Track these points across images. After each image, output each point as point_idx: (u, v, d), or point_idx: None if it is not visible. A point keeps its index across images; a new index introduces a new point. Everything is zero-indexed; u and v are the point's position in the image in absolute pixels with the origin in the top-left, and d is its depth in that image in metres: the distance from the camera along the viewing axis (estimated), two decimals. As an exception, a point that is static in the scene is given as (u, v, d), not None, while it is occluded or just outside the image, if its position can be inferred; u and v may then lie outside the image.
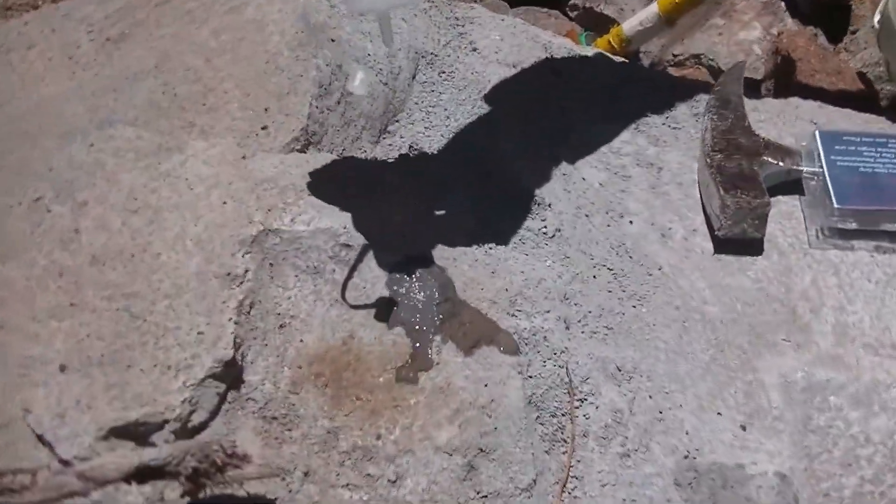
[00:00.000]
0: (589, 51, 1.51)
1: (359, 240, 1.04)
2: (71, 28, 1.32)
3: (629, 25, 1.79)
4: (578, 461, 1.02)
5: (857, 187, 1.23)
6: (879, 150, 1.26)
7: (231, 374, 0.95)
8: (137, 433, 0.90)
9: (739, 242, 1.22)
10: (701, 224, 1.26)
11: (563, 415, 1.03)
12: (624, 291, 1.16)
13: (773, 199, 1.22)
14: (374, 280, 1.03)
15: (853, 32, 1.86)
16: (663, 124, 1.37)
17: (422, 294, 1.03)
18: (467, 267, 1.07)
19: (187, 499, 0.85)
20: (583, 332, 1.10)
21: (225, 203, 1.03)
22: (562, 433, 1.02)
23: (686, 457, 1.03)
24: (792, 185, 1.27)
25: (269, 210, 1.03)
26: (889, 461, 1.06)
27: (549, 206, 1.19)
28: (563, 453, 1.02)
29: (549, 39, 1.48)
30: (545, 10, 2.04)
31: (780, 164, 1.25)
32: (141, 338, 0.94)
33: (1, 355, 0.95)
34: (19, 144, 1.14)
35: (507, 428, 0.97)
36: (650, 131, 1.36)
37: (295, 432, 0.94)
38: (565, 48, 1.47)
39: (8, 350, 0.95)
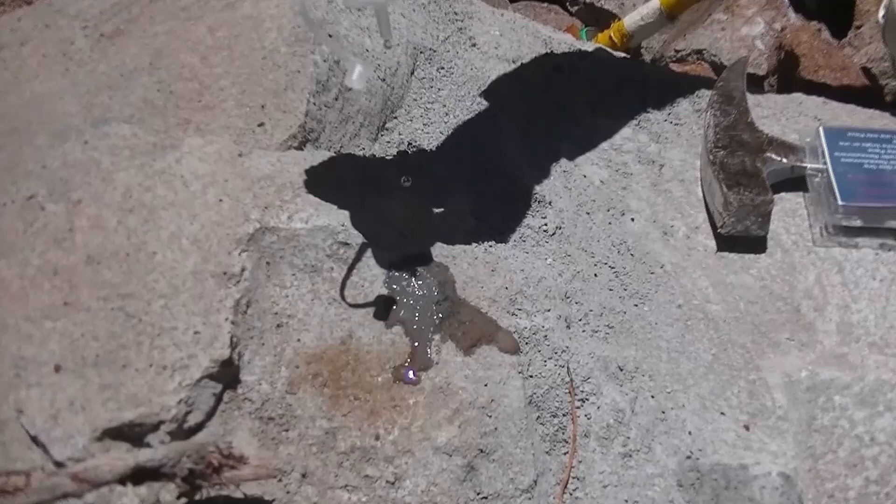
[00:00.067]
0: (590, 46, 1.51)
1: (357, 238, 1.03)
2: (65, 24, 1.31)
3: (630, 20, 1.79)
4: (580, 462, 1.02)
5: (861, 184, 1.23)
6: (884, 146, 1.26)
7: (227, 375, 0.94)
8: (132, 434, 0.90)
9: (742, 240, 1.22)
10: (703, 222, 1.26)
11: (564, 415, 1.03)
12: (625, 290, 1.16)
13: (776, 197, 1.22)
14: (372, 279, 1.03)
15: (858, 27, 1.86)
16: (665, 120, 1.37)
17: (421, 293, 1.03)
18: (467, 265, 1.06)
19: (183, 500, 0.85)
20: (584, 331, 1.10)
21: (221, 201, 1.03)
22: (563, 433, 1.02)
23: (689, 457, 1.03)
24: (796, 181, 1.27)
25: (265, 208, 1.03)
26: (895, 461, 1.06)
27: (550, 203, 1.19)
28: (565, 454, 1.02)
29: (550, 35, 1.48)
30: (545, 4, 2.04)
31: (784, 160, 1.25)
32: (136, 338, 0.94)
33: (-6, 356, 0.95)
34: (12, 142, 1.13)
35: (507, 428, 0.97)
36: (652, 128, 1.36)
37: (292, 433, 0.94)
38: (566, 43, 1.47)
39: (1, 350, 0.95)
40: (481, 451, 0.95)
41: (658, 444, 1.04)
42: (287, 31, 1.22)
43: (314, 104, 1.18)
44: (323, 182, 1.07)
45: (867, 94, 1.68)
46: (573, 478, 1.01)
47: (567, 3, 2.07)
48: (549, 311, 1.07)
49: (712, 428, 1.06)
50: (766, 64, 1.87)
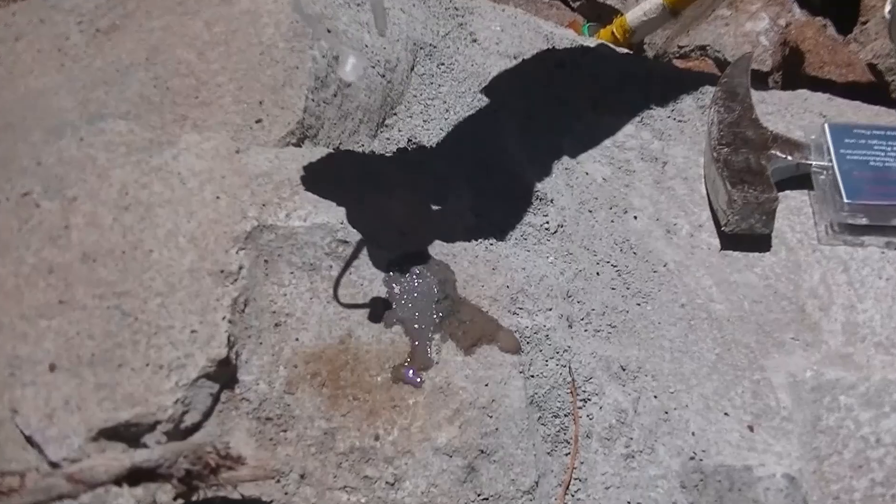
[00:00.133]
0: (592, 42, 1.51)
1: (356, 236, 1.03)
2: (60, 19, 1.31)
3: (633, 16, 1.79)
4: (582, 463, 1.02)
5: (867, 182, 1.23)
6: (890, 143, 1.26)
7: (225, 374, 0.94)
8: (128, 434, 0.90)
9: (747, 238, 1.22)
10: (707, 220, 1.26)
11: (565, 415, 1.03)
12: (628, 289, 1.16)
13: (781, 194, 1.22)
14: (371, 277, 1.03)
15: (863, 23, 1.86)
16: (668, 117, 1.37)
17: (420, 291, 1.03)
18: (467, 263, 1.06)
19: (180, 501, 0.85)
20: (586, 331, 1.10)
21: (218, 198, 1.03)
22: (564, 434, 1.02)
23: (692, 458, 1.03)
24: (801, 179, 1.27)
25: (263, 205, 1.03)
26: (900, 462, 1.06)
27: (552, 201, 1.19)
28: (566, 455, 1.02)
29: (551, 30, 1.48)
30: (546, 0, 2.04)
31: (789, 158, 1.25)
32: (132, 337, 0.94)
33: (-12, 355, 0.95)
34: (6, 138, 1.13)
35: (508, 429, 0.97)
36: (655, 125, 1.36)
37: (290, 433, 0.94)
38: (567, 39, 1.47)
39: (-4, 349, 0.95)
40: (482, 451, 0.95)
41: (661, 445, 1.04)
42: (285, 26, 1.21)
43: (312, 100, 1.18)
44: (321, 179, 1.07)
45: (873, 90, 1.68)
46: (575, 479, 1.01)
47: (569, -1, 2.07)
48: (550, 310, 1.07)
49: (716, 429, 1.06)
50: (771, 60, 1.86)
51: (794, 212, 1.26)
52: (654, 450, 1.04)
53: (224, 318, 0.95)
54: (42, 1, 1.36)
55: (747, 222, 1.20)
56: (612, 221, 1.23)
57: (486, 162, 1.22)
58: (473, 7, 1.45)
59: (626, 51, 1.56)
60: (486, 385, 0.98)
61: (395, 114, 1.30)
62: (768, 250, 1.22)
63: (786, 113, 1.37)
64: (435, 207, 1.13)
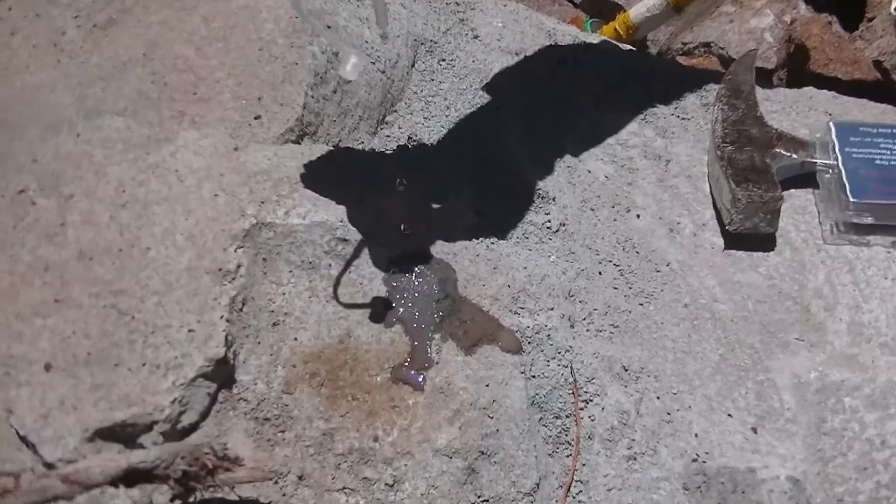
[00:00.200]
0: (594, 38, 1.50)
1: (355, 234, 1.03)
2: (56, 14, 1.31)
3: (636, 12, 1.79)
4: (583, 464, 1.02)
5: (873, 180, 1.22)
6: (896, 141, 1.26)
7: (222, 374, 0.94)
8: (125, 435, 0.90)
9: (751, 238, 1.22)
10: (711, 219, 1.26)
11: (567, 416, 1.03)
12: (630, 288, 1.16)
13: (785, 193, 1.22)
14: (371, 276, 1.02)
15: (869, 20, 1.86)
16: (672, 115, 1.37)
17: (421, 290, 1.02)
18: (468, 262, 1.06)
19: (177, 503, 0.85)
20: (588, 331, 1.10)
21: (216, 196, 1.02)
22: (566, 435, 1.02)
23: (695, 460, 1.03)
24: (806, 178, 1.27)
25: (262, 203, 1.03)
26: (906, 465, 1.06)
27: (554, 199, 1.19)
28: (568, 456, 1.02)
29: (554, 26, 1.48)
30: (549, -5, 2.04)
31: (794, 156, 1.25)
32: (129, 336, 0.93)
33: (-17, 354, 0.95)
34: (2, 135, 1.13)
35: (509, 430, 0.97)
36: (658, 122, 1.36)
37: (289, 434, 0.94)
38: (570, 35, 1.47)
39: (-9, 348, 0.95)
40: (482, 453, 0.95)
41: (664, 447, 1.04)
42: (284, 21, 1.21)
43: (312, 97, 1.17)
44: (321, 177, 1.07)
45: (879, 88, 1.68)
46: (576, 481, 1.00)
47: (571, -6, 2.07)
48: (552, 309, 1.07)
49: (719, 430, 1.06)
50: (776, 57, 1.86)
51: (798, 211, 1.26)
52: (657, 451, 1.04)
53: (222, 317, 0.95)
54: (38, -5, 1.36)
55: (751, 221, 1.20)
56: (615, 220, 1.22)
57: (488, 160, 1.22)
58: (475, 2, 1.45)
59: (629, 47, 1.56)
60: (487, 385, 0.98)
61: (395, 111, 1.29)
62: (772, 250, 1.22)
63: (791, 111, 1.37)
64: (436, 206, 1.13)
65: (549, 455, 1.00)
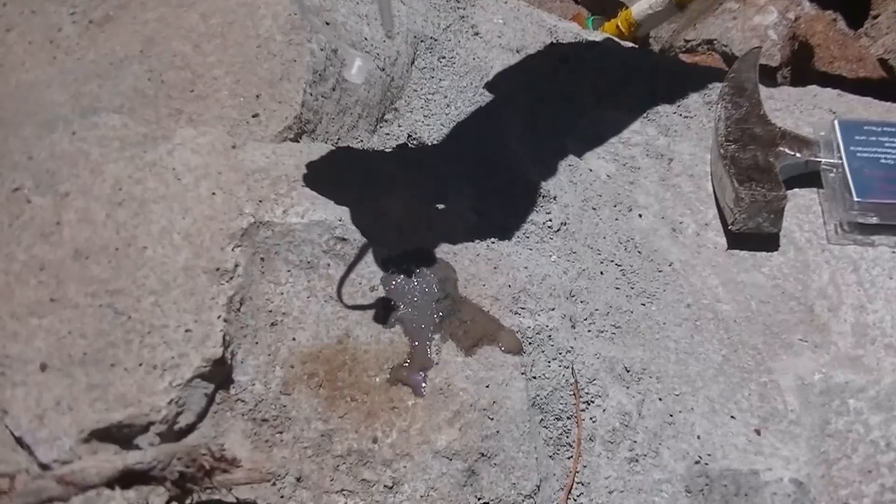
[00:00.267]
0: (596, 35, 1.50)
1: (354, 233, 1.03)
2: (52, 10, 1.31)
3: (638, 9, 1.79)
4: (584, 466, 1.02)
5: (878, 180, 1.22)
6: (902, 140, 1.26)
7: (220, 374, 0.94)
8: (121, 436, 0.90)
9: (754, 237, 1.22)
10: (714, 218, 1.26)
11: (568, 418, 1.03)
12: (632, 288, 1.16)
13: (789, 192, 1.22)
14: (370, 276, 1.02)
15: (874, 17, 1.86)
16: (674, 113, 1.37)
17: (420, 290, 1.02)
18: (468, 262, 1.06)
19: (173, 505, 0.85)
20: (589, 331, 1.10)
21: (214, 194, 1.02)
22: (567, 437, 1.02)
23: (697, 462, 1.03)
24: (809, 177, 1.27)
25: (260, 202, 1.03)
26: (910, 467, 1.06)
27: (555, 198, 1.19)
28: (569, 458, 1.02)
29: (555, 23, 1.48)
30: (550, -8, 2.04)
31: (798, 155, 1.25)
32: (125, 336, 0.93)
33: (-22, 354, 0.95)
34: (-3, 132, 1.13)
35: (509, 431, 0.97)
36: (660, 120, 1.36)
37: (287, 435, 0.94)
38: (571, 33, 1.47)
39: (-15, 348, 0.95)
40: (482, 454, 0.95)
41: (666, 449, 1.04)
42: (283, 18, 1.21)
43: (311, 94, 1.17)
44: (319, 176, 1.07)
45: (884, 86, 1.68)
46: (578, 483, 1.00)
47: (573, -9, 2.07)
48: (553, 310, 1.07)
49: (722, 432, 1.06)
50: (780, 55, 1.86)
51: (802, 210, 1.26)
52: (659, 453, 1.04)
53: (219, 316, 0.95)
54: (34, -9, 1.36)
55: (755, 221, 1.20)
56: (617, 219, 1.22)
57: (488, 158, 1.22)
58: (475, -1, 1.45)
59: (631, 45, 1.56)
60: (487, 386, 0.98)
61: (395, 108, 1.29)
62: (776, 250, 1.22)
63: (794, 109, 1.37)
64: (436, 205, 1.13)
65: (550, 457, 1.00)
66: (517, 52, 1.40)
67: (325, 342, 0.98)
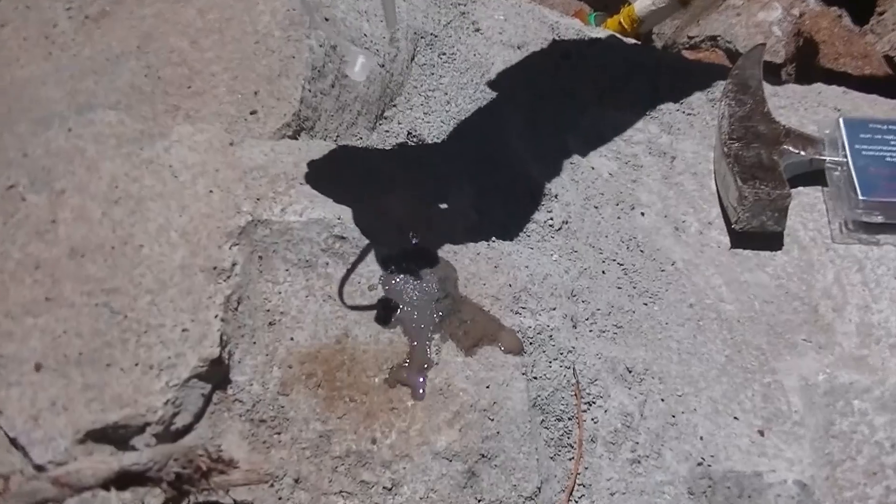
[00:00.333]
0: (598, 32, 1.50)
1: (353, 232, 1.03)
2: (47, 5, 1.31)
3: (641, 5, 1.78)
4: (586, 468, 1.01)
5: (883, 178, 1.22)
6: (908, 138, 1.26)
7: (217, 374, 0.94)
8: (117, 436, 0.90)
9: (758, 236, 1.22)
10: (717, 217, 1.25)
11: (569, 418, 1.02)
12: (635, 288, 1.16)
13: (793, 191, 1.22)
14: (369, 275, 1.02)
15: (880, 13, 1.85)
16: (677, 111, 1.37)
17: (420, 290, 1.02)
18: (468, 261, 1.06)
19: (170, 506, 0.85)
20: (591, 331, 1.10)
21: (211, 192, 1.02)
22: (568, 438, 1.02)
23: (700, 464, 1.03)
24: (814, 175, 1.27)
25: (258, 200, 1.03)
26: (916, 469, 1.06)
27: (556, 196, 1.19)
28: (570, 459, 1.02)
29: (557, 20, 1.48)
30: (552, -12, 2.04)
31: (802, 153, 1.25)
32: (121, 335, 0.93)
33: (-28, 353, 0.95)
34: (-8, 129, 1.13)
35: (510, 432, 0.97)
36: (663, 118, 1.36)
37: (285, 436, 0.94)
38: (573, 29, 1.46)
39: (-20, 348, 0.95)
40: (483, 456, 0.95)
41: (668, 450, 1.04)
42: (281, 14, 1.21)
43: (309, 91, 1.17)
44: (318, 173, 1.07)
45: (890, 83, 1.68)
46: (579, 485, 1.00)
47: (575, -13, 2.07)
48: (554, 309, 1.06)
49: (725, 433, 1.06)
50: (784, 51, 1.86)
51: (807, 209, 1.26)
52: (661, 455, 1.04)
53: (216, 316, 0.95)
54: (29, -14, 1.36)
55: (758, 219, 1.19)
56: (619, 218, 1.22)
57: (489, 156, 1.22)
58: (476, -5, 1.45)
59: (633, 41, 1.56)
60: (488, 387, 0.98)
61: (394, 105, 1.29)
62: (780, 249, 1.22)
63: (799, 107, 1.37)
64: (436, 203, 1.13)
65: (551, 458, 1.00)
66: (518, 48, 1.40)
67: (324, 342, 0.98)
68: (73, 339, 0.93)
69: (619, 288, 1.15)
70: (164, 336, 0.93)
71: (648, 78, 1.40)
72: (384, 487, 0.93)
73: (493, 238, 1.11)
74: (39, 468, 0.88)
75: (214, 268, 0.97)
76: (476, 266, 1.06)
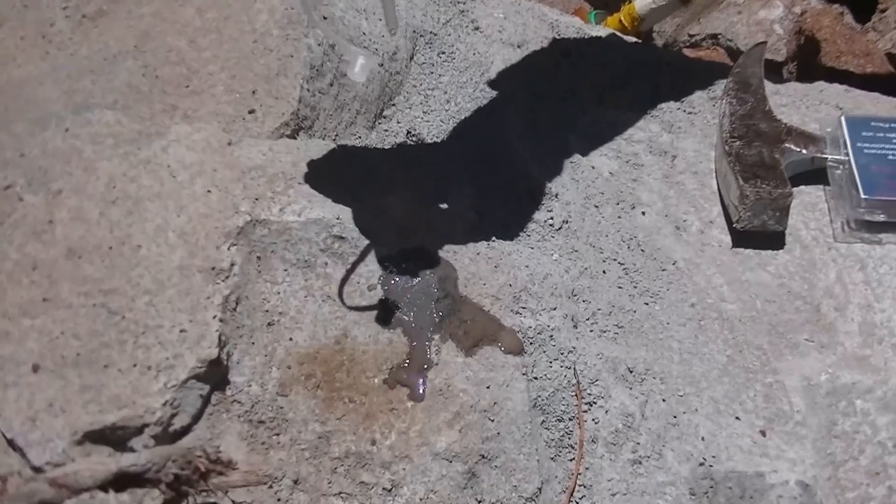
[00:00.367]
0: (599, 30, 1.50)
1: (352, 232, 1.03)
2: (44, 4, 1.31)
3: (642, 3, 1.79)
4: (587, 468, 1.01)
5: (885, 176, 1.22)
6: (910, 136, 1.26)
7: (215, 375, 0.94)
8: (115, 438, 0.89)
9: (759, 236, 1.22)
10: (718, 216, 1.25)
11: (570, 419, 1.02)
12: (635, 287, 1.16)
13: (795, 190, 1.22)
14: (369, 275, 1.02)
15: (882, 11, 1.86)
16: (678, 109, 1.37)
17: (420, 290, 1.02)
18: (468, 261, 1.06)
19: (168, 508, 0.85)
20: (591, 331, 1.10)
21: (209, 192, 1.02)
22: (569, 438, 1.02)
23: (702, 464, 1.03)
24: (816, 174, 1.27)
25: (256, 199, 1.03)
26: (919, 469, 1.06)
27: (556, 196, 1.19)
28: (571, 460, 1.02)
29: (557, 18, 1.48)
30: (552, -14, 2.04)
31: (804, 151, 1.25)
32: (119, 336, 0.93)
33: (-31, 354, 0.95)
34: (-11, 129, 1.13)
35: (510, 433, 0.97)
36: (664, 117, 1.36)
37: (284, 437, 0.94)
38: (573, 27, 1.46)
39: (-23, 349, 0.95)
40: (483, 456, 0.95)
41: (669, 451, 1.04)
42: (279, 13, 1.21)
43: (308, 90, 1.17)
44: (317, 173, 1.07)
45: (892, 81, 1.68)
46: (580, 485, 1.00)
47: (575, -15, 2.07)
48: (554, 309, 1.06)
49: (727, 433, 1.06)
50: (785, 49, 1.86)
51: (808, 208, 1.26)
52: (663, 455, 1.04)
53: (215, 316, 0.95)
54: (26, -15, 1.36)
55: (760, 219, 1.19)
56: (619, 217, 1.22)
57: (488, 156, 1.22)
58: (475, -7, 1.45)
59: (634, 39, 1.56)
60: (488, 387, 0.98)
61: (393, 104, 1.29)
62: (782, 248, 1.22)
63: (801, 105, 1.37)
64: (435, 203, 1.13)
65: (552, 459, 1.00)
66: (518, 47, 1.40)
67: (323, 342, 0.98)
68: (71, 340, 0.93)
69: (620, 287, 1.15)
70: (163, 337, 0.93)
71: (649, 76, 1.40)
72: (384, 488, 0.93)
73: (493, 237, 1.11)
74: (37, 469, 0.87)
75: (213, 268, 0.97)
76: (476, 266, 1.06)
